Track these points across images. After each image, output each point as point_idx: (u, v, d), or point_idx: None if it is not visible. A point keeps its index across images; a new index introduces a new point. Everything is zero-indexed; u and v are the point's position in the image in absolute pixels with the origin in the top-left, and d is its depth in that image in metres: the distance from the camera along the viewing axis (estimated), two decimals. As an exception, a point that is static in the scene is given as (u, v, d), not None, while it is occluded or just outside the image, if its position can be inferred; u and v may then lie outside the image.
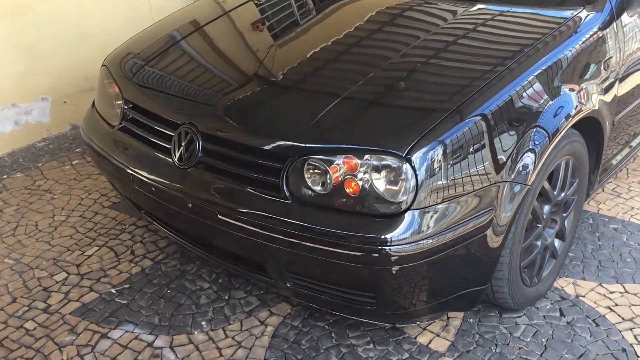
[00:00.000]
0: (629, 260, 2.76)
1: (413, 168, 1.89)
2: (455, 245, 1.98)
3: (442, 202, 1.94)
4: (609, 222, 3.04)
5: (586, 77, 2.39)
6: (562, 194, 2.44)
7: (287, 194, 2.02)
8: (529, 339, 2.34)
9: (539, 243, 2.40)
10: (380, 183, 1.93)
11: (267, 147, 2.07)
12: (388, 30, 2.61)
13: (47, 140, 4.11)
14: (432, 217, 1.93)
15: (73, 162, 3.81)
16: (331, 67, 2.41)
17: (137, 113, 2.49)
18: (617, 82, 2.56)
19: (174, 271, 2.77)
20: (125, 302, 2.59)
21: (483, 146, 2.01)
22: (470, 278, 2.14)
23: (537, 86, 2.17)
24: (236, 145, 2.14)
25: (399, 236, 1.89)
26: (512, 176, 2.06)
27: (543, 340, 2.33)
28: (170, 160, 2.27)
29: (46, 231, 3.10)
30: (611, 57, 2.50)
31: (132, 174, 2.38)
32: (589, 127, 2.45)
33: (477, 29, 2.45)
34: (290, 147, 2.05)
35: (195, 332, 2.43)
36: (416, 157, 1.90)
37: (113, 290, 2.66)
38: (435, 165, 1.92)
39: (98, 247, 2.96)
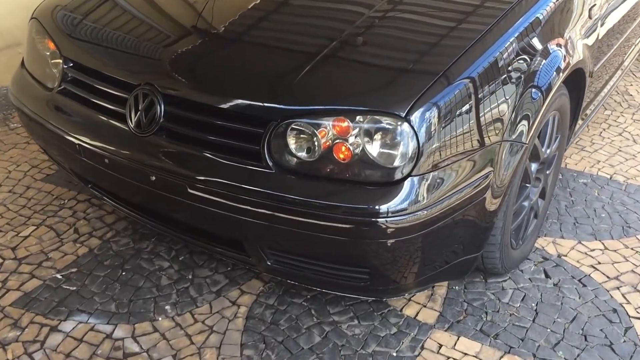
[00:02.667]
0: (603, 215, 2.70)
1: (413, 129, 1.70)
2: (454, 212, 1.83)
3: (442, 166, 1.76)
4: (577, 176, 2.98)
5: (572, 27, 2.26)
6: (548, 151, 2.33)
7: (269, 162, 1.80)
8: (518, 304, 2.24)
9: (526, 204, 2.28)
10: (374, 147, 1.74)
11: (245, 111, 1.83)
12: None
13: (-41, 107, 3.65)
14: (432, 183, 1.76)
15: (-7, 131, 3.39)
16: (311, 21, 2.16)
17: (80, 73, 2.16)
18: (598, 29, 2.44)
19: (127, 250, 2.49)
20: (74, 288, 2.30)
21: (481, 107, 1.84)
22: (465, 246, 1.99)
23: (526, 42, 2.02)
24: (207, 108, 1.87)
25: (397, 206, 1.71)
26: (512, 136, 1.92)
27: (533, 304, 2.23)
28: (126, 127, 1.98)
29: (-30, 210, 2.73)
30: (595, 4, 2.37)
31: (78, 144, 2.07)
32: (572, 79, 2.33)
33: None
34: (271, 109, 1.81)
35: (160, 319, 2.18)
36: (416, 117, 1.71)
37: (58, 276, 2.36)
38: (434, 127, 1.75)
39: (35, 227, 2.62)
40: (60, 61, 2.20)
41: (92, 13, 2.31)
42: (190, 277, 2.36)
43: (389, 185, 1.73)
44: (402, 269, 1.87)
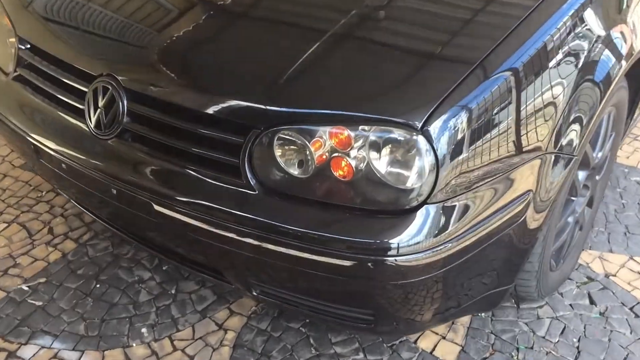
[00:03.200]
0: (661, 223, 2.30)
1: (431, 143, 1.33)
2: (482, 243, 1.46)
3: (469, 187, 1.39)
4: (629, 173, 2.56)
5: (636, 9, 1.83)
6: (600, 154, 1.93)
7: (251, 180, 1.44)
8: (557, 339, 1.87)
9: (570, 219, 1.90)
10: (382, 163, 1.37)
11: (221, 114, 1.46)
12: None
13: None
14: (456, 210, 1.39)
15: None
16: (304, 7, 1.76)
17: (35, 57, 1.81)
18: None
19: (105, 256, 2.18)
20: (40, 303, 2.01)
21: (524, 109, 1.45)
22: (496, 278, 1.63)
23: (582, 24, 1.60)
24: (178, 109, 1.51)
25: (411, 241, 1.35)
26: (560, 146, 1.53)
27: (574, 339, 1.87)
28: (86, 126, 1.64)
29: (-62, 202, 2.44)
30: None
31: (33, 144, 1.73)
32: (631, 68, 1.90)
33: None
34: (253, 113, 1.44)
35: (134, 344, 1.88)
36: (435, 127, 1.34)
37: (25, 287, 2.07)
38: (461, 138, 1.37)
39: (6, 224, 2.33)
40: (15, 41, 1.85)
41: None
42: (173, 291, 2.05)
43: (401, 213, 1.37)
44: (416, 309, 1.52)
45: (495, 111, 1.41)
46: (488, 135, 1.41)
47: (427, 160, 1.33)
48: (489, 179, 1.43)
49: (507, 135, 1.44)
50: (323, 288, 1.49)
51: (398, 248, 1.34)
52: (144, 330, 1.92)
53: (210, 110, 1.47)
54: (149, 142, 1.56)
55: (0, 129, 1.91)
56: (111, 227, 1.88)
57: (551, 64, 1.51)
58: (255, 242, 1.44)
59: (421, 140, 1.33)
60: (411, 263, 1.36)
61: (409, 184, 1.36)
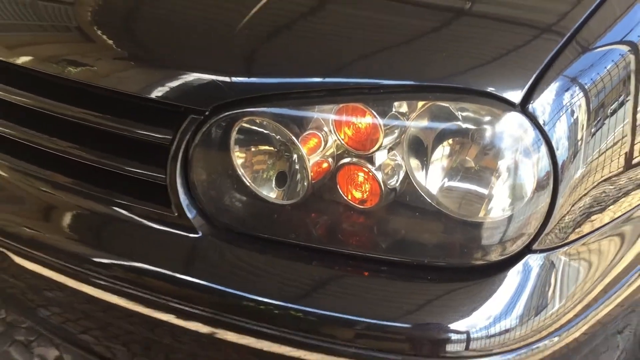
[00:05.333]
0: None
1: (543, 133, 0.73)
2: (609, 325, 0.86)
3: (597, 227, 0.78)
4: None
5: None
6: None
7: (188, 210, 0.82)
8: None
9: None
10: (435, 174, 0.77)
11: (134, 91, 0.84)
12: None
13: None
14: (575, 268, 0.77)
15: None
16: None
17: None
18: None
19: (-8, 326, 1.51)
20: None
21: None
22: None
23: None
24: (58, 85, 0.88)
25: (493, 328, 0.74)
26: None
27: None
28: None
29: None
30: None
31: None
32: None
33: None
34: (192, 87, 0.82)
35: None
36: (543, 105, 0.73)
37: None
38: (582, 134, 0.78)
39: None
40: None
41: None
42: (91, 381, 1.37)
43: (472, 273, 0.77)
44: None
45: (621, 93, 0.83)
46: (618, 134, 0.83)
47: (533, 163, 0.72)
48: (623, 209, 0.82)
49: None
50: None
51: (468, 341, 0.73)
52: None
53: (116, 85, 0.84)
54: (10, 145, 0.93)
55: None
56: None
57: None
58: (200, 328, 0.82)
59: (521, 124, 0.70)
60: (495, 365, 0.76)
61: (492, 215, 0.74)
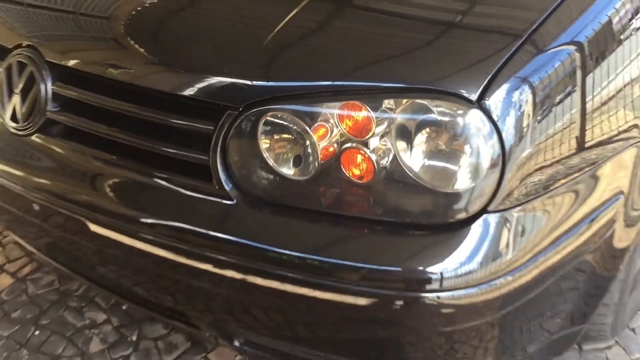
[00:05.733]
0: None
1: (494, 123, 0.91)
2: (558, 270, 1.04)
3: (541, 192, 0.97)
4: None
5: None
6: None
7: (226, 184, 1.02)
8: (637, 393, 1.43)
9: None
10: (416, 156, 0.96)
11: (182, 92, 1.03)
12: None
13: None
14: (525, 224, 0.97)
15: None
16: None
17: None
18: None
19: (48, 294, 1.73)
20: (-39, 359, 1.55)
21: (604, 91, 1.04)
22: (567, 317, 1.19)
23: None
24: (121, 89, 1.09)
25: (460, 269, 0.93)
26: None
27: (660, 392, 1.42)
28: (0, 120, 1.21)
29: None
30: None
31: None
32: None
33: None
34: (228, 88, 1.02)
35: (80, 413, 1.41)
36: (496, 102, 0.92)
37: (-58, 337, 1.60)
38: (528, 122, 0.96)
39: None
40: None
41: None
42: (134, 338, 1.60)
43: (445, 229, 0.95)
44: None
45: (563, 90, 1.01)
46: (561, 120, 1.01)
47: (488, 148, 0.91)
48: (567, 178, 1.01)
49: (586, 121, 1.04)
50: (334, 337, 1.06)
51: (441, 280, 0.92)
52: (93, 392, 1.46)
53: (167, 89, 1.05)
54: (82, 136, 1.14)
55: None
56: (44, 256, 1.42)
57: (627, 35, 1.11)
58: (234, 275, 1.01)
59: (478, 117, 0.90)
60: (461, 301, 0.95)
61: (458, 186, 0.93)
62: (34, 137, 1.16)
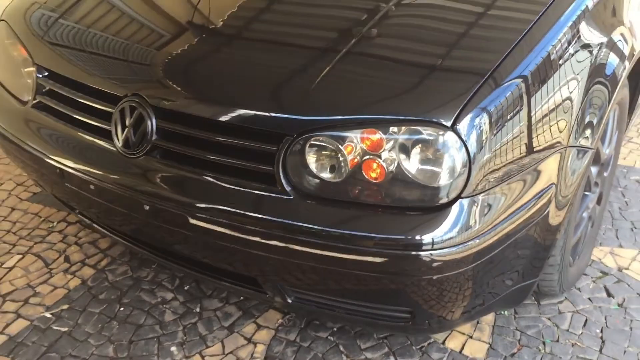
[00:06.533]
0: (664, 217, 2.38)
1: (462, 140, 1.38)
2: (511, 236, 1.52)
3: (496, 183, 1.44)
4: (628, 172, 2.65)
5: (633, 11, 1.93)
6: (608, 150, 2.01)
7: (286, 186, 1.48)
8: (580, 332, 1.92)
9: (585, 215, 1.96)
10: (412, 163, 1.43)
11: (253, 124, 1.51)
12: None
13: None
14: (485, 205, 1.44)
15: (-24, 144, 3.07)
16: (325, 14, 1.82)
17: (56, 83, 1.84)
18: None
19: (125, 280, 2.19)
20: (65, 329, 2.00)
21: (539, 110, 1.53)
22: (522, 272, 1.68)
23: (583, 31, 1.69)
24: (208, 122, 1.56)
25: (444, 236, 1.40)
26: (578, 140, 1.60)
27: (597, 331, 1.92)
28: (113, 147, 1.67)
29: (-52, 238, 2.43)
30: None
31: (59, 168, 1.75)
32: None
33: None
34: (285, 121, 1.49)
35: (165, 363, 1.88)
36: (464, 125, 1.40)
37: (48, 314, 2.06)
38: (485, 136, 1.43)
39: (21, 256, 2.32)
40: (33, 70, 1.88)
41: (69, 10, 1.98)
42: (197, 310, 2.06)
43: (434, 210, 1.42)
44: (448, 305, 1.56)
45: (512, 112, 1.47)
46: (511, 134, 1.47)
47: (459, 157, 1.39)
48: (516, 174, 1.49)
49: (528, 133, 1.51)
50: (361, 288, 1.53)
51: (432, 243, 1.39)
52: (173, 348, 1.92)
53: (242, 122, 1.52)
54: (180, 157, 1.60)
55: (20, 156, 1.92)
56: (135, 246, 1.89)
57: (559, 68, 1.58)
58: (293, 246, 1.47)
59: (452, 137, 1.38)
60: (444, 258, 1.41)
61: (441, 182, 1.41)
62: (141, 159, 1.63)
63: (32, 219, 2.52)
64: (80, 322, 2.03)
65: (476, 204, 1.43)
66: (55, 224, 2.49)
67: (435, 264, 1.41)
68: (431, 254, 1.39)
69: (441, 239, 1.39)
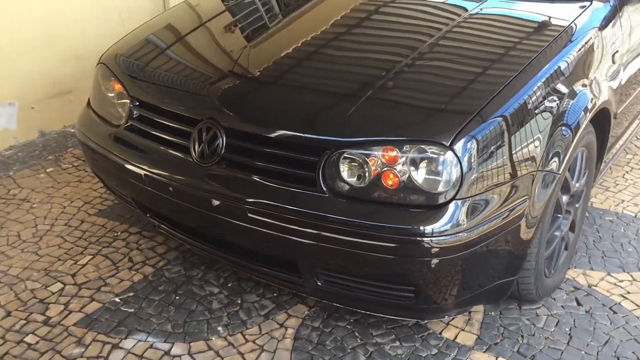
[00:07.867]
0: (630, 250, 2.83)
1: (457, 157, 1.87)
2: (492, 236, 1.97)
3: (481, 192, 1.93)
4: (603, 214, 3.11)
5: (598, 70, 2.45)
6: (577, 184, 2.48)
7: (324, 187, 1.97)
8: (552, 329, 2.35)
9: (557, 234, 2.42)
10: (420, 174, 1.91)
11: (301, 141, 2.02)
12: (396, 29, 2.61)
13: (14, 149, 3.86)
14: (472, 207, 1.92)
15: (47, 170, 3.60)
16: (356, 62, 2.36)
17: (146, 110, 2.37)
18: (621, 74, 2.63)
19: (179, 277, 2.65)
20: (132, 310, 2.46)
21: (515, 142, 2.01)
22: (502, 270, 2.13)
23: (553, 85, 2.19)
24: (266, 139, 2.07)
25: (441, 227, 1.87)
26: (546, 167, 2.08)
27: (566, 329, 2.35)
28: (190, 158, 2.17)
29: (31, 241, 2.91)
30: (617, 51, 2.57)
31: (144, 174, 2.26)
32: (598, 119, 2.50)
33: (486, 30, 2.48)
34: (326, 140, 2.00)
35: (213, 338, 2.32)
36: (459, 146, 1.89)
37: (117, 299, 2.52)
38: (474, 157, 1.91)
39: (91, 256, 2.80)
40: (127, 101, 2.42)
41: (155, 57, 2.54)
42: (239, 301, 2.51)
43: (433, 208, 1.89)
44: (443, 289, 2.01)
45: (495, 141, 1.96)
46: (493, 158, 1.96)
47: (455, 171, 1.88)
48: (495, 187, 1.97)
49: (505, 159, 1.99)
50: (376, 269, 1.99)
51: (432, 232, 1.86)
52: (219, 328, 2.37)
53: (293, 139, 2.03)
54: (242, 165, 2.10)
55: (109, 166, 2.44)
56: (194, 241, 2.37)
57: (532, 113, 2.08)
58: (327, 234, 1.95)
59: (450, 155, 1.88)
60: (440, 244, 1.87)
61: (440, 189, 1.89)
62: (212, 168, 2.12)
63: (99, 229, 3.01)
64: (143, 305, 2.48)
65: (466, 206, 1.90)
66: (119, 233, 2.97)
67: (433, 249, 1.88)
68: (431, 240, 1.86)
69: (438, 229, 1.86)
